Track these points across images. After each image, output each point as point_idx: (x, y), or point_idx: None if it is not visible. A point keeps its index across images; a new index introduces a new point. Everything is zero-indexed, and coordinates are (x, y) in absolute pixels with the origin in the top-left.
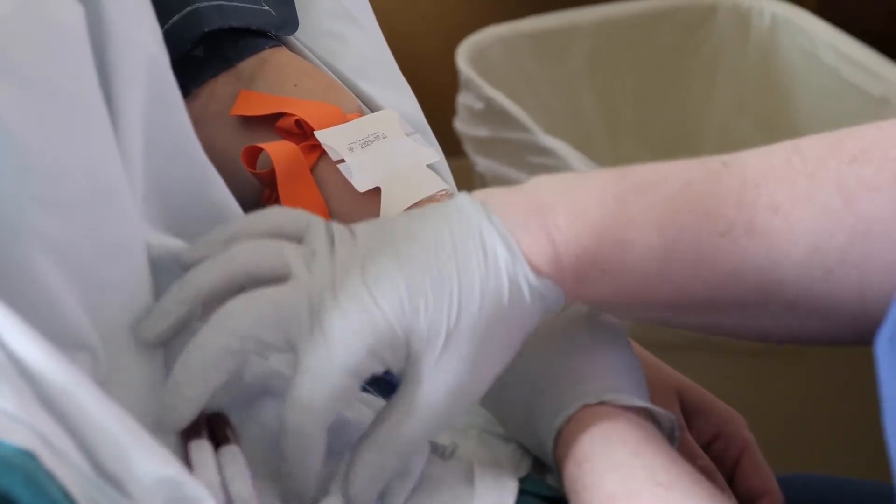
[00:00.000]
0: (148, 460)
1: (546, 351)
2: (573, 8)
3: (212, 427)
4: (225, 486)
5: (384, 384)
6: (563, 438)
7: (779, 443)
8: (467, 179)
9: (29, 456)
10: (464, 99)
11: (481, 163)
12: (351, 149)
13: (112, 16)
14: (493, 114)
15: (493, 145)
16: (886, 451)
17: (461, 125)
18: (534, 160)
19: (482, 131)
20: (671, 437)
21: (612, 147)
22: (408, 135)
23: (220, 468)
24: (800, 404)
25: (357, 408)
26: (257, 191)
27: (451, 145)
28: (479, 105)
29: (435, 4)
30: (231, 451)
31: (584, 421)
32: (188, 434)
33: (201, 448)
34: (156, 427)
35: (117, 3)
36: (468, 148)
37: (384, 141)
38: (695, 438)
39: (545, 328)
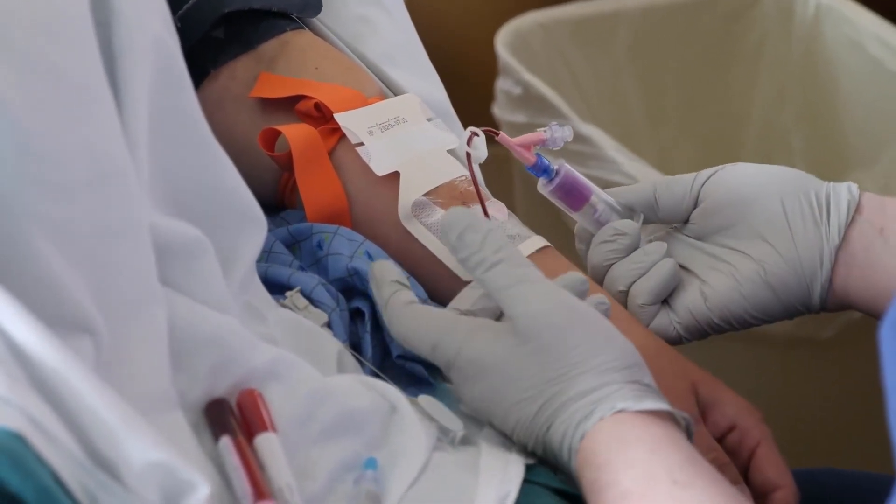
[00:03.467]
0: (139, 444)
1: (550, 360)
2: None
3: (243, 414)
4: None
5: (399, 371)
6: (582, 450)
7: (812, 434)
8: (505, 167)
9: (17, 438)
10: (502, 84)
11: None
12: (370, 132)
13: None
14: (530, 100)
15: (529, 131)
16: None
17: (499, 111)
18: (570, 147)
19: (519, 117)
20: (688, 435)
21: (653, 136)
22: (429, 119)
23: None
24: (834, 395)
25: (369, 395)
26: (276, 173)
27: None
28: (516, 91)
29: None
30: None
31: (601, 429)
32: (218, 428)
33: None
34: (166, 406)
35: None
36: (506, 134)
37: (405, 125)
38: (710, 430)
39: (539, 331)
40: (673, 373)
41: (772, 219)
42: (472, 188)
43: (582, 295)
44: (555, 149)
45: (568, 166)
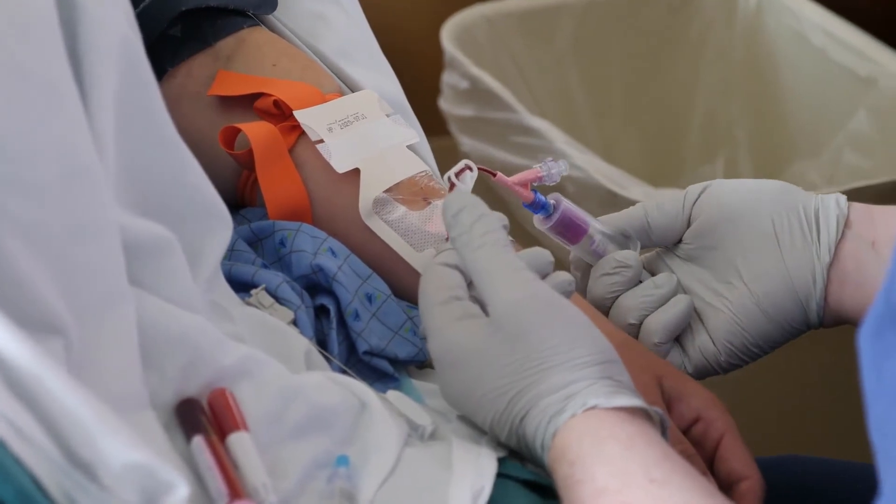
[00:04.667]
0: (117, 445)
1: (521, 351)
2: None
3: (214, 413)
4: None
5: (365, 367)
6: (555, 446)
7: (777, 424)
8: (452, 159)
9: None
10: (448, 78)
11: (466, 142)
12: (330, 129)
13: None
14: (477, 93)
15: (477, 125)
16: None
17: (446, 104)
18: (518, 140)
19: (467, 111)
20: (662, 431)
21: (598, 127)
22: (388, 115)
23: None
24: (799, 386)
25: (339, 392)
26: (236, 172)
27: (435, 125)
28: (463, 84)
29: None
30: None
31: (574, 426)
32: (189, 428)
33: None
34: (137, 406)
35: None
36: (453, 127)
37: (364, 122)
38: (675, 422)
39: (513, 328)
40: (639, 366)
41: (762, 240)
42: (432, 183)
43: (547, 268)
44: (550, 184)
45: (566, 200)
